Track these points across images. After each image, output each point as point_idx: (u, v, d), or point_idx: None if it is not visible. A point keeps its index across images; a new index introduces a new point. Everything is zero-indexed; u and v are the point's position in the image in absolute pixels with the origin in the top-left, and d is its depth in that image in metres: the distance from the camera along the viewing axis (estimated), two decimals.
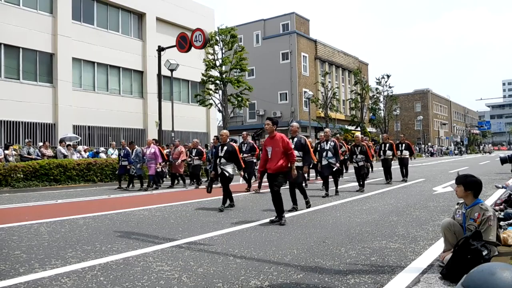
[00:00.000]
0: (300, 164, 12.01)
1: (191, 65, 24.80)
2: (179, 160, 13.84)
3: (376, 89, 43.42)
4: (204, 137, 26.59)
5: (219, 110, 24.85)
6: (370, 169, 16.14)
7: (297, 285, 3.45)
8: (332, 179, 10.64)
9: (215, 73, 24.20)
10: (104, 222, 6.86)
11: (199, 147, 14.42)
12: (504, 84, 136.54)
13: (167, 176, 15.71)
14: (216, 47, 24.00)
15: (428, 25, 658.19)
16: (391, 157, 13.61)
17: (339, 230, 5.85)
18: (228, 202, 8.34)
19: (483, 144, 76.34)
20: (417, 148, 54.71)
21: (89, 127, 21.10)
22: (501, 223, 5.07)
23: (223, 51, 24.17)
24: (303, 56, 39.31)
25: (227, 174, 8.18)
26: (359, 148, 11.70)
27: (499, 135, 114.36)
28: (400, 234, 5.48)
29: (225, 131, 8.82)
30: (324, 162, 10.19)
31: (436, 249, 4.48)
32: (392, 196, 9.80)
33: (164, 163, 14.00)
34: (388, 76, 43.86)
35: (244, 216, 7.23)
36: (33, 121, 18.96)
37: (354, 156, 11.71)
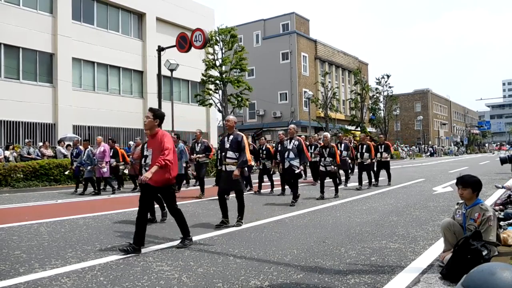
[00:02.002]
0: (252, 163, 11.60)
1: (191, 65, 24.79)
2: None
3: (376, 89, 43.45)
4: (204, 137, 26.56)
5: (219, 110, 24.84)
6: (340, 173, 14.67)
7: (297, 285, 3.45)
8: (332, 181, 10.22)
9: (215, 73, 24.20)
10: (104, 222, 6.86)
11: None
12: (504, 84, 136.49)
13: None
14: (216, 47, 24.00)
15: (428, 25, 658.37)
16: (368, 160, 12.22)
17: (339, 230, 5.85)
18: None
19: (487, 144, 76.49)
20: (417, 148, 54.78)
21: (89, 127, 21.09)
22: (501, 223, 5.07)
23: (223, 51, 24.17)
24: (303, 56, 39.31)
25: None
26: (328, 149, 9.99)
27: (499, 135, 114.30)
28: (400, 234, 5.48)
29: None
30: (286, 164, 8.91)
31: (436, 249, 4.48)
32: (392, 196, 9.80)
33: (124, 164, 12.95)
34: (388, 76, 43.91)
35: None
36: (33, 121, 18.96)
37: (322, 159, 10.04)
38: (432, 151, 53.61)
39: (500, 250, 3.87)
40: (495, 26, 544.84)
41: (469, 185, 3.78)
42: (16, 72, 18.65)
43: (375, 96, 42.86)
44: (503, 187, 7.94)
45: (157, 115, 5.10)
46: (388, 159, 13.10)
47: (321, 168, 10.06)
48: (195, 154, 10.87)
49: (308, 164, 12.73)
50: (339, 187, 10.53)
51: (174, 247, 4.92)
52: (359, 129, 38.63)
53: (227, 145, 6.30)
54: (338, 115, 39.58)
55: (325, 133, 10.42)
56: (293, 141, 8.93)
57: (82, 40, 20.79)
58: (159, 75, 18.59)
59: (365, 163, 12.22)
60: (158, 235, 5.65)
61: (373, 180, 12.37)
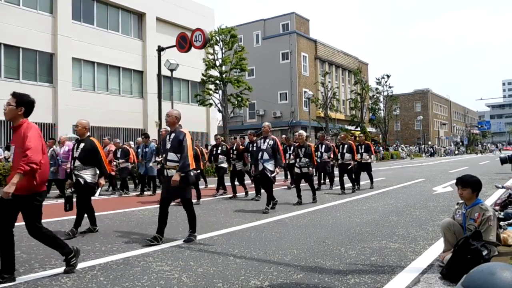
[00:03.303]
0: (225, 165, 10.95)
1: (191, 65, 24.79)
2: (116, 162, 11.83)
3: (376, 89, 43.44)
4: (204, 137, 26.59)
5: (219, 110, 24.85)
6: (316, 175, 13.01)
7: (297, 285, 3.45)
8: (308, 184, 9.16)
9: (215, 73, 24.20)
10: (104, 222, 6.86)
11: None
12: (504, 84, 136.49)
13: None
14: (216, 47, 24.00)
15: (428, 25, 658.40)
16: (350, 161, 11.11)
17: (339, 230, 5.85)
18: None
19: (480, 144, 76.50)
20: (417, 148, 54.78)
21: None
22: (501, 223, 5.07)
23: (223, 51, 24.17)
24: (303, 56, 39.31)
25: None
26: (303, 149, 8.99)
27: (499, 135, 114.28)
28: (400, 234, 5.48)
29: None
30: (259, 166, 7.99)
31: (436, 249, 4.48)
32: (392, 196, 9.80)
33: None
34: (388, 76, 43.90)
35: (244, 216, 7.22)
36: (33, 121, 18.91)
37: (298, 160, 9.05)
38: (432, 151, 53.62)
39: (500, 250, 3.88)
40: (495, 26, 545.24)
41: (469, 185, 3.78)
42: (16, 72, 18.65)
43: (375, 96, 42.86)
44: (503, 187, 7.94)
45: (21, 102, 3.97)
46: (369, 160, 12.05)
47: (296, 170, 9.07)
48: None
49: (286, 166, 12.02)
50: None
51: (174, 247, 4.92)
52: (359, 129, 38.62)
53: (168, 145, 5.29)
54: (338, 115, 39.58)
55: (300, 131, 9.42)
56: (267, 140, 8.01)
57: (82, 40, 20.79)
58: (159, 75, 18.61)
59: (346, 164, 11.14)
60: None
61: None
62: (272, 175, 7.91)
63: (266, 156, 7.92)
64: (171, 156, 5.24)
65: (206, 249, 4.82)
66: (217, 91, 24.11)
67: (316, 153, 11.50)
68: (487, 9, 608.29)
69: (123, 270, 3.97)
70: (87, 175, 5.81)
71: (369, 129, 44.41)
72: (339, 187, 10.97)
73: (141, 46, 24.03)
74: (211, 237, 5.47)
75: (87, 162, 5.85)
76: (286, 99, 38.49)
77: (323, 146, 11.81)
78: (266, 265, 4.08)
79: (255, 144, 8.70)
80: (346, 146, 11.27)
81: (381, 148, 41.80)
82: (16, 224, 3.69)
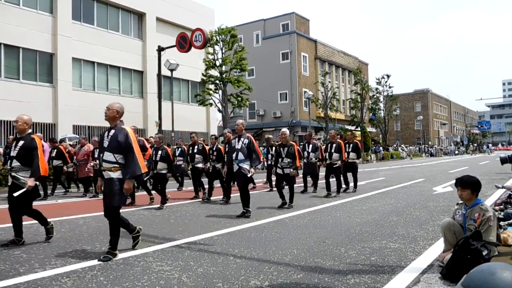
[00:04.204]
0: (201, 165, 10.13)
1: (191, 65, 24.80)
2: (91, 163, 10.95)
3: (376, 89, 43.44)
4: (204, 137, 26.58)
5: (219, 110, 24.86)
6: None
7: (297, 285, 3.45)
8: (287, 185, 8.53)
9: (215, 73, 24.21)
10: (104, 222, 6.83)
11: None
12: (504, 84, 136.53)
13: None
14: (216, 47, 24.01)
15: (428, 25, 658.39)
16: (338, 161, 10.36)
17: (339, 230, 5.84)
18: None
19: (472, 145, 76.71)
20: (417, 148, 54.78)
21: (89, 127, 21.10)
22: (501, 223, 5.07)
23: (223, 51, 24.18)
24: (303, 56, 39.31)
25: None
26: (286, 149, 8.41)
27: (499, 135, 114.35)
28: (400, 234, 5.48)
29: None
30: (235, 167, 7.41)
31: (436, 249, 4.48)
32: (392, 196, 9.80)
33: (66, 164, 11.60)
34: (388, 76, 43.90)
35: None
36: (33, 121, 18.92)
37: (280, 160, 8.46)
38: (432, 152, 53.64)
39: (500, 250, 3.88)
40: (495, 26, 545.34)
41: (468, 186, 3.78)
42: (16, 72, 18.66)
43: (375, 96, 42.85)
44: (503, 187, 7.94)
45: None
46: (356, 160, 11.23)
47: (278, 171, 8.49)
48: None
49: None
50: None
51: (174, 247, 4.92)
52: (359, 129, 38.63)
53: (105, 143, 4.59)
54: (338, 115, 39.58)
55: (283, 129, 8.76)
56: (242, 139, 7.42)
57: (82, 40, 20.79)
58: (159, 75, 18.63)
59: (334, 165, 10.38)
60: (158, 235, 5.65)
61: (343, 185, 10.75)
62: (249, 175, 7.36)
63: (241, 156, 7.33)
64: (108, 156, 4.53)
65: (206, 249, 4.82)
66: (217, 91, 24.12)
67: (302, 153, 11.13)
68: (487, 9, 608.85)
69: (123, 270, 3.96)
70: (27, 177, 5.05)
71: (369, 129, 44.42)
72: (325, 188, 10.41)
73: (141, 46, 24.04)
74: (211, 237, 5.47)
75: (26, 162, 5.10)
76: (286, 99, 38.49)
77: (310, 146, 11.07)
78: (266, 265, 4.08)
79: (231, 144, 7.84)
80: (334, 145, 10.52)
81: (381, 148, 41.82)
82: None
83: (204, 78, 23.99)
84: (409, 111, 67.96)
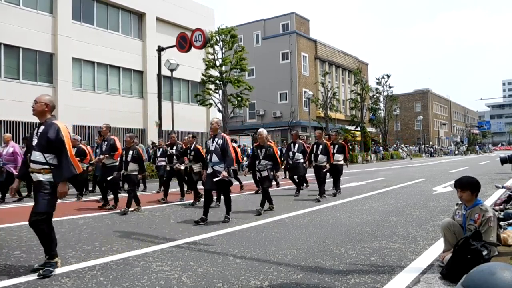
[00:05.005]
0: (180, 166, 9.43)
1: (191, 65, 24.79)
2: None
3: (376, 89, 43.45)
4: (204, 137, 26.58)
5: (219, 110, 24.85)
6: (277, 181, 12.08)
7: (297, 285, 3.46)
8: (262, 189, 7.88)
9: (215, 73, 24.21)
10: (104, 222, 6.86)
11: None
12: (504, 84, 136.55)
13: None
14: (216, 47, 24.00)
15: (428, 25, 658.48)
16: (324, 163, 9.51)
17: (339, 230, 5.85)
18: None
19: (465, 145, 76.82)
20: (418, 148, 54.78)
21: (89, 127, 21.10)
22: (501, 223, 5.07)
23: (223, 51, 24.18)
24: (303, 56, 39.31)
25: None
26: (263, 150, 7.81)
27: (499, 135, 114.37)
28: (400, 234, 5.48)
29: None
30: (209, 169, 6.81)
31: (436, 249, 4.48)
32: (392, 196, 9.80)
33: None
34: (388, 76, 43.92)
35: (244, 216, 7.22)
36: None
37: (257, 162, 7.88)
38: (432, 152, 53.63)
39: (500, 250, 3.88)
40: (495, 26, 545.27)
41: (468, 187, 3.77)
42: (16, 72, 18.65)
43: (375, 96, 42.86)
44: (503, 187, 7.94)
45: None
46: (342, 162, 10.45)
47: (257, 174, 7.95)
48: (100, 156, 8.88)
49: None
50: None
51: (174, 247, 4.92)
52: (359, 129, 38.64)
53: (34, 141, 4.06)
54: (338, 115, 39.59)
55: (260, 130, 8.10)
56: (216, 139, 6.80)
57: (82, 40, 20.79)
58: (159, 75, 18.64)
59: (320, 166, 9.58)
60: (158, 235, 5.65)
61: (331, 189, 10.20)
62: (220, 176, 6.63)
63: (215, 158, 6.68)
64: (37, 156, 3.99)
65: (206, 249, 4.82)
66: (217, 91, 24.12)
67: (288, 154, 10.86)
68: (487, 9, 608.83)
69: (123, 270, 3.97)
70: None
71: (369, 129, 44.42)
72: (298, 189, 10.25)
73: (141, 46, 24.04)
74: (211, 237, 5.47)
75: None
76: (286, 99, 38.49)
77: (296, 146, 10.66)
78: (266, 265, 4.08)
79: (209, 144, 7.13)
80: (321, 146, 9.61)
81: (381, 148, 41.83)
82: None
83: (204, 78, 23.99)
84: (409, 111, 67.96)
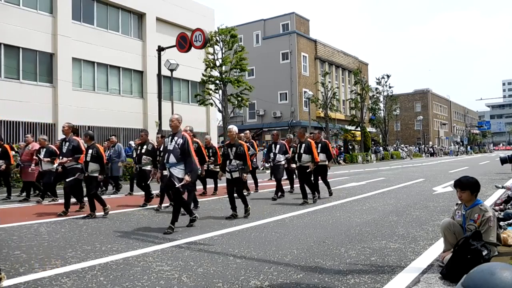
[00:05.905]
0: (149, 167, 8.88)
1: (191, 65, 24.79)
2: (33, 165, 10.06)
3: (376, 89, 43.45)
4: (204, 137, 26.58)
5: (219, 110, 24.86)
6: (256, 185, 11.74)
7: (297, 285, 3.45)
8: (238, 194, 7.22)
9: (215, 73, 24.21)
10: (104, 222, 6.86)
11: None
12: (504, 84, 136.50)
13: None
14: (216, 47, 24.01)
15: (428, 25, 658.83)
16: (309, 163, 8.92)
17: (339, 230, 5.85)
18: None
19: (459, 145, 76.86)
20: (417, 148, 54.77)
21: (89, 127, 21.07)
22: (501, 223, 5.07)
23: (223, 51, 24.18)
24: (303, 56, 39.31)
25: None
26: (234, 149, 7.11)
27: (499, 135, 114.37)
28: (400, 234, 5.48)
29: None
30: (165, 172, 6.45)
31: (436, 249, 4.48)
32: (392, 196, 9.80)
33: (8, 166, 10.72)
34: (388, 76, 43.90)
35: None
36: (33, 121, 18.95)
37: (228, 163, 7.15)
38: (432, 152, 53.62)
39: (500, 250, 3.87)
40: (495, 26, 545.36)
41: (468, 187, 3.77)
42: (16, 72, 18.64)
43: (375, 96, 42.86)
44: (503, 187, 7.94)
45: None
46: (326, 162, 9.91)
47: (227, 176, 7.18)
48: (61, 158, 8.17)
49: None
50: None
51: (174, 247, 4.92)
52: (359, 129, 38.64)
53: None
54: (338, 115, 39.58)
55: (230, 126, 7.35)
56: (175, 138, 6.11)
57: (82, 40, 20.78)
58: (159, 75, 18.63)
59: (304, 167, 8.99)
60: (158, 235, 5.65)
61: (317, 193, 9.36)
62: (180, 183, 5.99)
63: (172, 159, 6.03)
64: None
65: (206, 249, 4.82)
66: (217, 91, 24.12)
67: (268, 155, 10.50)
68: (486, 10, 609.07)
69: (123, 270, 3.97)
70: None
71: (369, 129, 44.42)
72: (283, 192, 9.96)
73: (141, 46, 24.03)
74: (211, 237, 5.47)
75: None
76: (286, 99, 38.49)
77: (278, 147, 10.27)
78: (266, 265, 4.08)
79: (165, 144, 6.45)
80: (304, 145, 9.03)
81: (381, 148, 41.83)
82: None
83: (204, 78, 23.99)
84: (409, 111, 67.96)
